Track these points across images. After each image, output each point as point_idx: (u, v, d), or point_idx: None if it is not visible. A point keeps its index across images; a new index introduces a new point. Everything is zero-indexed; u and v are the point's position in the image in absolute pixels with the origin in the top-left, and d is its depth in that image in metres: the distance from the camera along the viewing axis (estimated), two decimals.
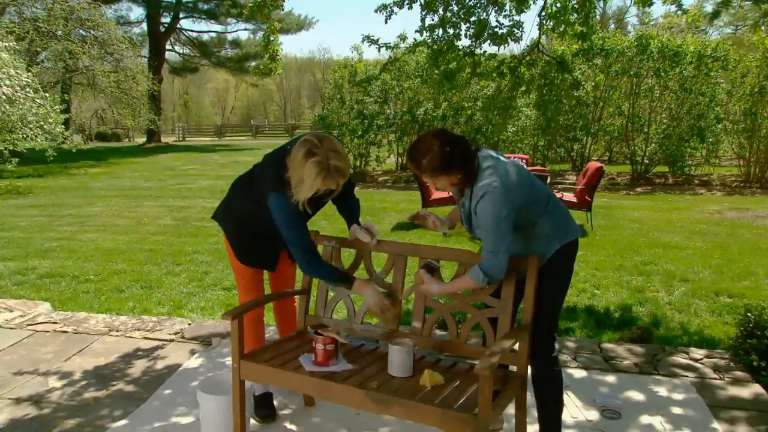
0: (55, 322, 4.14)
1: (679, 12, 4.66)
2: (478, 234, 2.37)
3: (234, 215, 2.80)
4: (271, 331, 3.73)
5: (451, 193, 2.53)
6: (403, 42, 7.63)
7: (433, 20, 5.33)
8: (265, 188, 2.51)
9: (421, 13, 5.28)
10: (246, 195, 2.71)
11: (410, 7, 5.32)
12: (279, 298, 2.92)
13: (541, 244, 2.37)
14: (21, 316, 4.27)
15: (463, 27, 5.32)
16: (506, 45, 5.46)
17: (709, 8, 4.50)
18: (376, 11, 5.43)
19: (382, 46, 6.09)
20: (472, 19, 5.25)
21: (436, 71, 5.80)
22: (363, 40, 6.16)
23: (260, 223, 2.62)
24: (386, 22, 5.49)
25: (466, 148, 2.26)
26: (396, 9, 5.36)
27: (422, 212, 2.64)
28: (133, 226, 8.32)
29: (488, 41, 5.43)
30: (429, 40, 5.43)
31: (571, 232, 2.40)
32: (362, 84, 13.83)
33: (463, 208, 2.39)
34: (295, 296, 2.99)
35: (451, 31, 5.32)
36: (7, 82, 10.73)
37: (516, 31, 5.45)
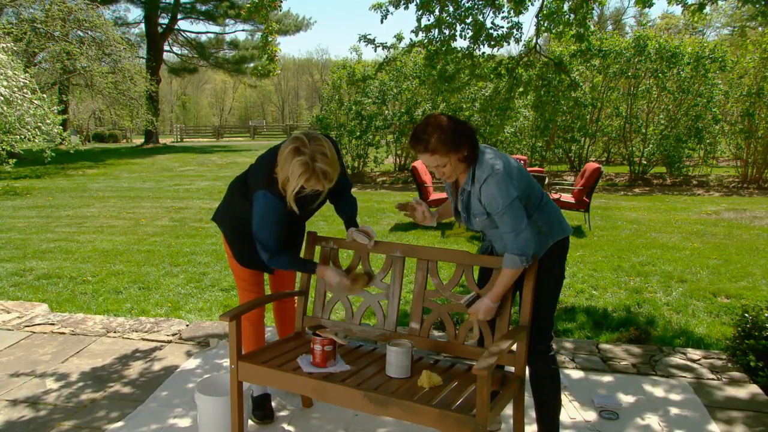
0: (53, 324, 4.13)
1: (685, 12, 4.63)
2: (476, 224, 2.36)
3: (232, 216, 2.78)
4: (271, 333, 3.72)
5: (445, 194, 2.53)
6: (400, 42, 7.64)
7: (429, 20, 5.33)
8: (255, 186, 2.51)
9: (416, 13, 5.29)
10: (242, 195, 2.69)
11: (406, 7, 5.32)
12: (278, 299, 2.91)
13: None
14: (18, 317, 4.26)
15: (459, 28, 5.33)
16: (501, 47, 5.48)
17: (707, 8, 4.46)
18: (371, 9, 5.43)
19: (379, 46, 6.09)
20: (468, 20, 5.26)
21: (433, 72, 5.80)
22: (360, 40, 6.16)
23: None
24: (382, 22, 5.50)
25: (466, 122, 2.34)
26: (391, 9, 5.37)
27: (412, 202, 2.59)
28: (130, 227, 8.30)
29: (485, 43, 5.44)
30: (425, 41, 5.44)
31: (563, 230, 2.41)
32: (357, 83, 13.89)
33: (462, 196, 2.37)
34: (295, 297, 2.99)
35: (446, 31, 5.33)
36: (5, 83, 10.70)
37: (515, 32, 5.47)
